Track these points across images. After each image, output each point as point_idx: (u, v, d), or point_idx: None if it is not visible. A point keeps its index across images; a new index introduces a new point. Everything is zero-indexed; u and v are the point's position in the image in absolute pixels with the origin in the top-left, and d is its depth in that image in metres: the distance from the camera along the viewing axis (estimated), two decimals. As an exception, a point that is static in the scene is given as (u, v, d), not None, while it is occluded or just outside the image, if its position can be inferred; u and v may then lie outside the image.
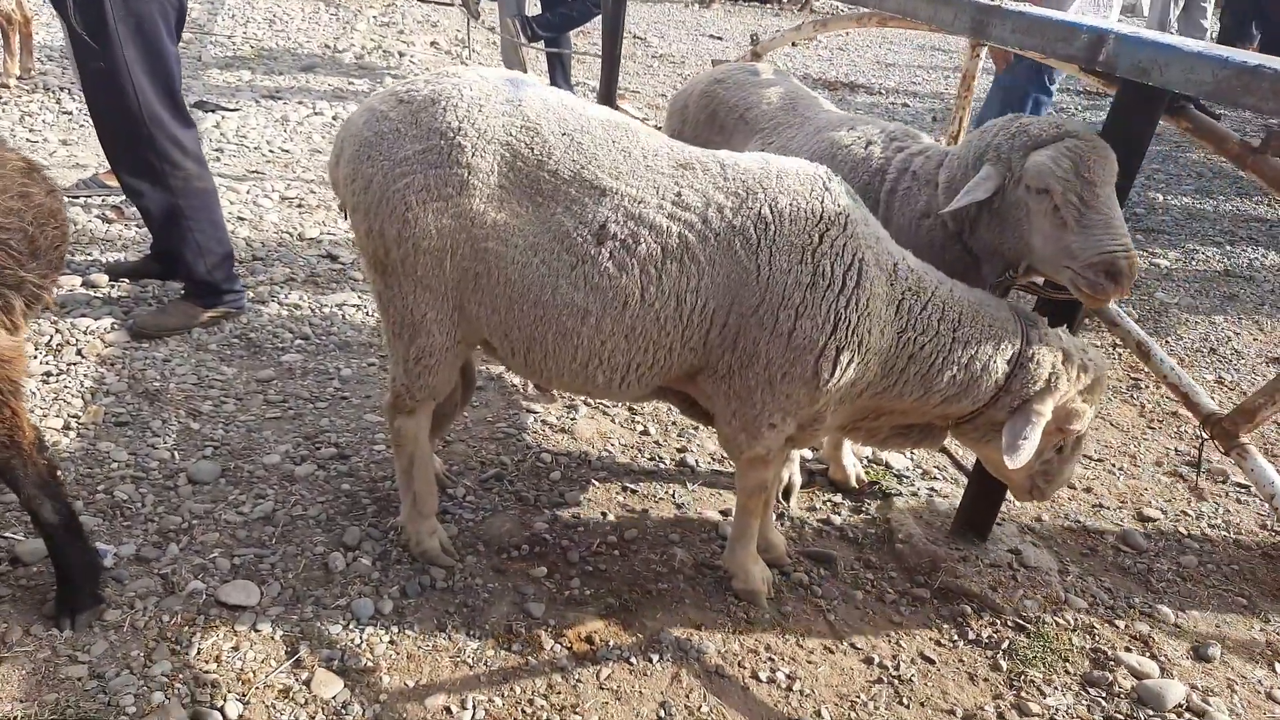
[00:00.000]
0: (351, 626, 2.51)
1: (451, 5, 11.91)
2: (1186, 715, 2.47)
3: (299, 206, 5.38)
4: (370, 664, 2.40)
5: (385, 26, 10.53)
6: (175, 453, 3.15)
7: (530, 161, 2.22)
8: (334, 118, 7.07)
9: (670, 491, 3.22)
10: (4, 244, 1.96)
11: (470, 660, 2.45)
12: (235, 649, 2.38)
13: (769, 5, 14.82)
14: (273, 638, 2.43)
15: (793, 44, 11.47)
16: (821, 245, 2.24)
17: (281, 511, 2.91)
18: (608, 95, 5.49)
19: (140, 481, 2.99)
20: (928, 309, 2.36)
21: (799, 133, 3.01)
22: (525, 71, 8.58)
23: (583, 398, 3.70)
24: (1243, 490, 3.60)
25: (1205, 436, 2.37)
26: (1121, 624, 2.80)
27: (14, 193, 1.99)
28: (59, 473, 2.37)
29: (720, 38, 11.97)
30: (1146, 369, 2.63)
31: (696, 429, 3.59)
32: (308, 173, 5.95)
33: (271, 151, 6.25)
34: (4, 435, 2.14)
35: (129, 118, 3.36)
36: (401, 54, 9.32)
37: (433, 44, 9.96)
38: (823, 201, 2.27)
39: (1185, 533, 3.30)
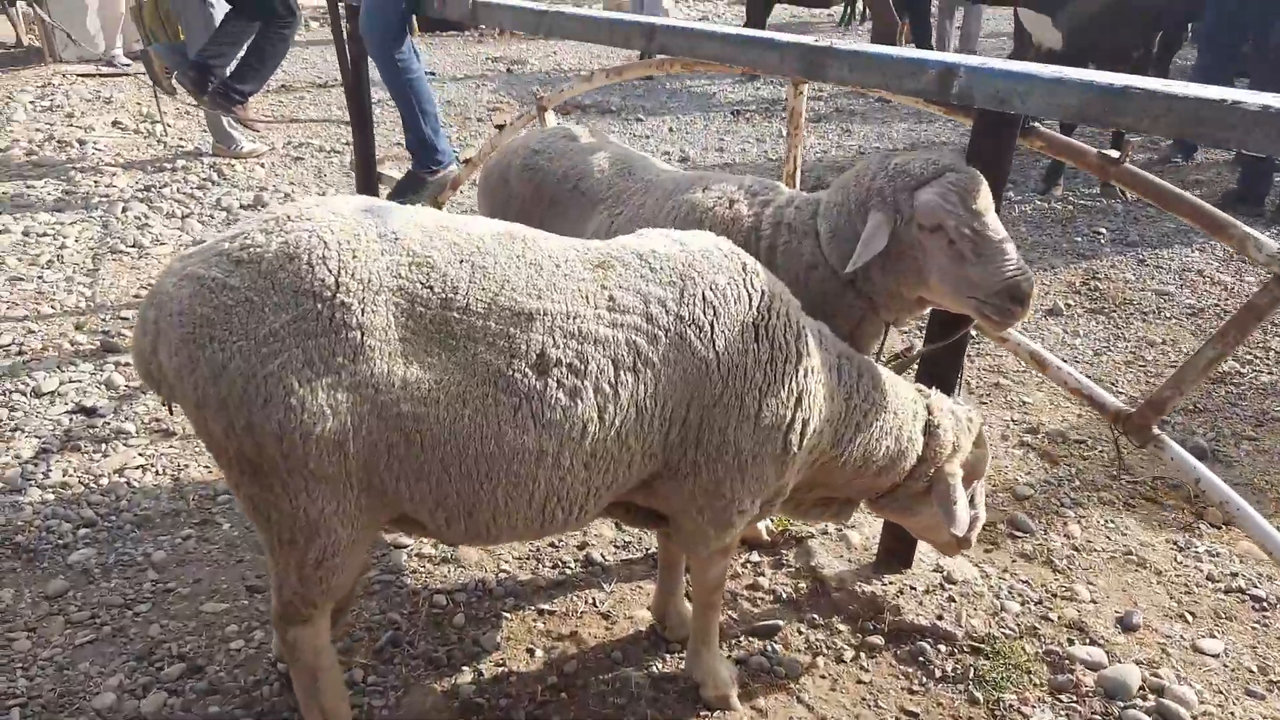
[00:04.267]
0: None
1: (125, 75, 10.61)
2: (1150, 697, 2.58)
3: (20, 354, 4.46)
4: None
5: (49, 111, 9.15)
6: (-33, 729, 2.44)
7: (433, 303, 1.88)
8: (24, 233, 5.98)
9: (590, 600, 2.94)
10: None
11: None
12: None
13: (469, 33, 14.53)
14: None
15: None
16: (770, 318, 2.13)
17: (144, 768, 2.33)
18: (365, 161, 5.04)
19: (-69, 787, 2.28)
20: (862, 375, 2.31)
21: (648, 199, 2.83)
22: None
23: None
24: (1082, 445, 3.90)
25: (1118, 433, 2.47)
26: (1054, 615, 2.89)
27: None
28: None
29: (432, 73, 11.54)
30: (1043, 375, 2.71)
31: (587, 520, 3.32)
32: (15, 309, 4.97)
33: (-44, 289, 5.17)
34: None
35: None
36: (82, 141, 8.12)
37: (115, 124, 8.78)
38: (755, 273, 2.15)
39: (1058, 503, 3.50)
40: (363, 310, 1.83)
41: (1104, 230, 6.36)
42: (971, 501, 2.56)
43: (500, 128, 4.20)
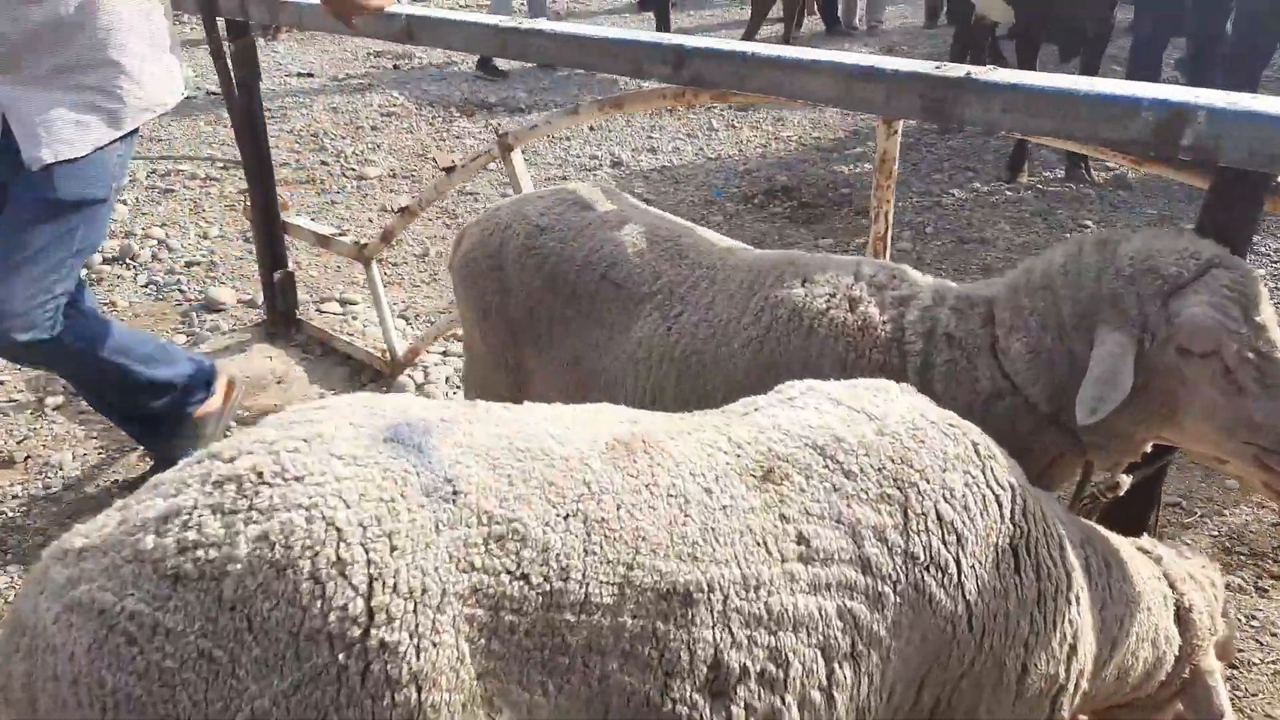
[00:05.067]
0: None
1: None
2: None
3: None
4: None
5: None
6: None
7: (531, 604, 1.09)
8: None
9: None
10: None
11: None
12: None
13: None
14: None
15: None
16: (1030, 530, 1.41)
17: None
18: (266, 204, 4.04)
19: None
20: (1110, 568, 1.62)
21: (717, 294, 2.05)
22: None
23: None
24: (1177, 510, 3.34)
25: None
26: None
27: None
28: None
29: (311, 74, 10.30)
30: None
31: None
32: None
33: None
34: None
35: None
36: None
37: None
38: (991, 456, 1.43)
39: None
40: (419, 648, 1.02)
41: (1090, 223, 5.91)
42: None
43: (449, 170, 3.30)
